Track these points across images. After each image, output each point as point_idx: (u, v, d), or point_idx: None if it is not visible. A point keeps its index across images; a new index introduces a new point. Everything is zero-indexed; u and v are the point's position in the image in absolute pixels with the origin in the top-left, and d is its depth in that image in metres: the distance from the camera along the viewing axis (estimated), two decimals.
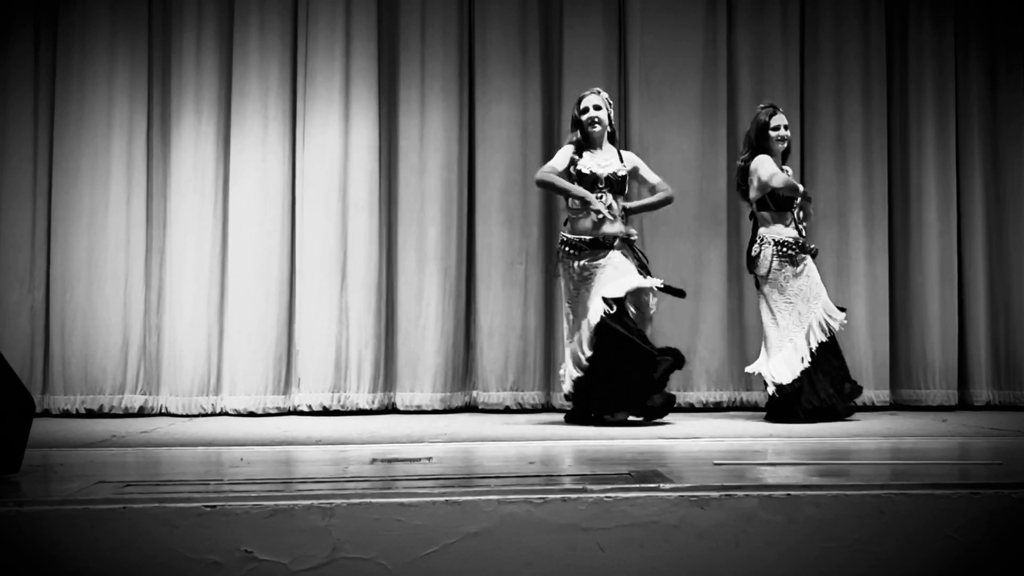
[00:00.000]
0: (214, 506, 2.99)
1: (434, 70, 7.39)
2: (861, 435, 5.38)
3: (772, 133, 6.36)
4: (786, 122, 6.41)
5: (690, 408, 7.28)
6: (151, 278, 7.23)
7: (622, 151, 6.29)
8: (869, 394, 7.38)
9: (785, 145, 6.41)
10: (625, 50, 7.54)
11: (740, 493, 3.10)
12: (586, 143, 6.17)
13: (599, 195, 6.05)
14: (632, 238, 6.21)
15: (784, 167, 6.41)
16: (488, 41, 7.47)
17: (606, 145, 6.22)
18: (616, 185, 6.12)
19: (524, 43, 7.47)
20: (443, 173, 7.36)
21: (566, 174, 6.12)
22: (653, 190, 6.37)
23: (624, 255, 6.11)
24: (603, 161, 6.14)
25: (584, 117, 6.15)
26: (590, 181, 6.07)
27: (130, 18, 7.28)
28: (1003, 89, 7.68)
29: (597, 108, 6.16)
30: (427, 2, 7.41)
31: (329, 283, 7.22)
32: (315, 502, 3.01)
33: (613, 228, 6.09)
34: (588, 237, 6.05)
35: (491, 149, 7.39)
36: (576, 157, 6.12)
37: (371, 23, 7.37)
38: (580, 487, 3.14)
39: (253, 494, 3.09)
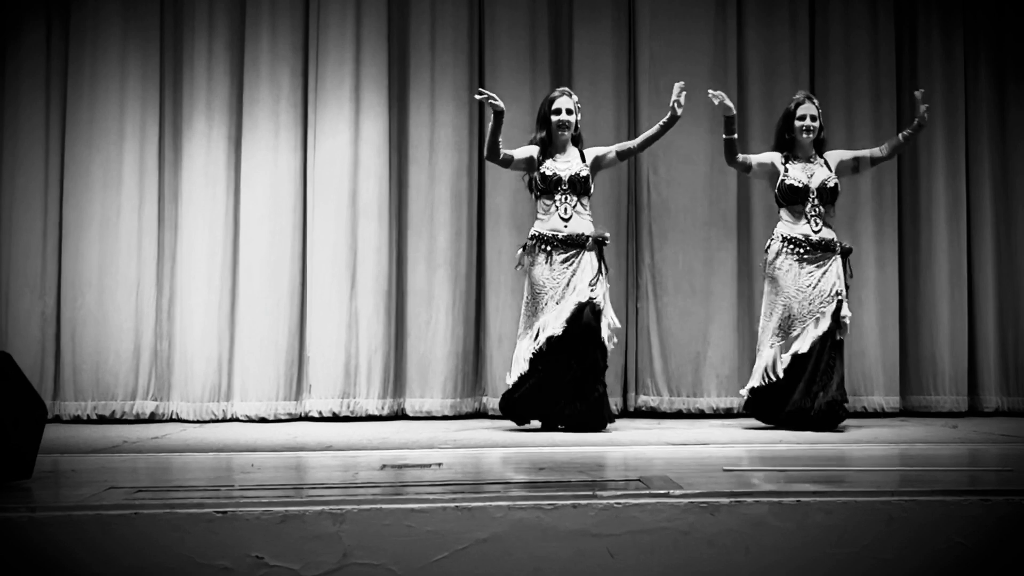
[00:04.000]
0: (225, 512, 3.00)
1: (444, 76, 7.40)
2: (871, 441, 5.38)
3: (797, 123, 6.23)
4: (814, 112, 6.25)
5: (700, 414, 7.27)
6: (162, 284, 7.25)
7: (584, 151, 6.28)
8: (879, 400, 7.38)
9: (810, 136, 6.23)
10: (634, 56, 7.55)
11: (750, 500, 3.10)
12: (549, 143, 6.22)
13: (562, 196, 6.10)
14: (606, 241, 6.21)
15: (815, 159, 6.27)
16: (498, 47, 7.48)
17: (569, 147, 6.24)
18: (579, 186, 6.13)
19: (534, 49, 7.48)
20: (453, 178, 7.37)
21: (528, 169, 6.19)
22: (620, 154, 6.32)
23: (592, 258, 6.12)
24: (565, 164, 6.17)
25: (555, 119, 6.19)
26: (553, 182, 6.11)
27: (141, 19, 7.29)
28: (1012, 99, 7.67)
29: (568, 112, 6.20)
30: (437, 9, 7.43)
31: (339, 289, 7.23)
32: (326, 508, 3.02)
33: (586, 228, 6.13)
34: (562, 234, 6.09)
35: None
36: (540, 158, 6.17)
37: (381, 29, 7.39)
38: (590, 493, 3.14)
39: (264, 500, 3.09)
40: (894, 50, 7.63)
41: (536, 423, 6.23)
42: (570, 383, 6.02)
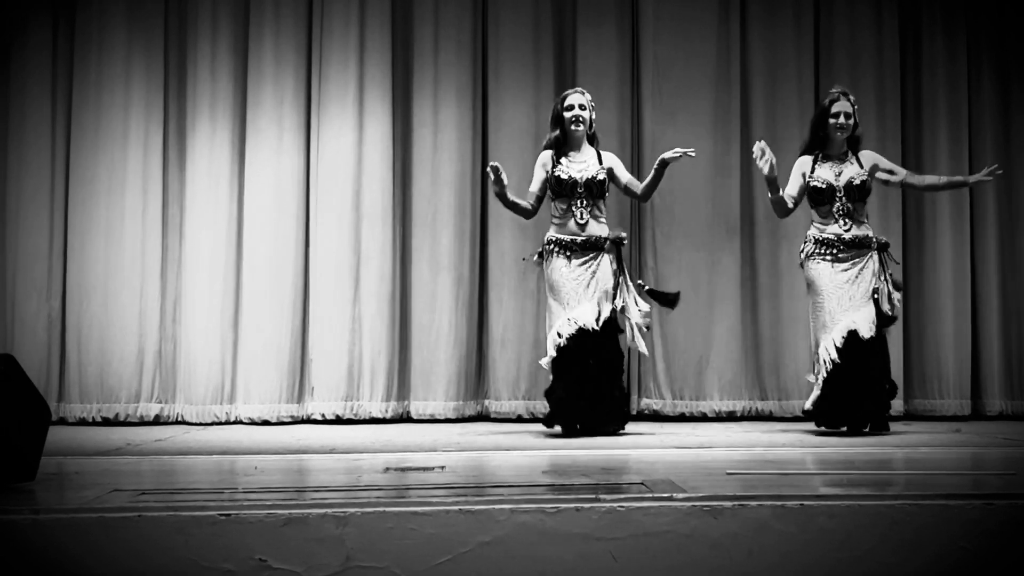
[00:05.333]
0: (228, 514, 3.00)
1: (448, 80, 7.41)
2: (874, 445, 5.37)
3: (831, 120, 6.04)
4: (849, 109, 6.04)
5: (703, 417, 7.27)
6: (167, 287, 7.27)
7: (602, 152, 6.15)
8: None
9: (844, 134, 6.05)
10: (638, 60, 7.55)
11: (753, 503, 3.10)
12: (564, 142, 6.08)
13: (578, 200, 5.98)
14: (623, 241, 6.10)
15: (848, 157, 6.09)
16: (501, 51, 7.49)
17: (585, 146, 6.11)
18: (595, 189, 5.99)
19: (537, 53, 7.48)
20: (456, 182, 7.38)
21: (543, 179, 6.05)
22: (626, 188, 6.18)
23: (611, 260, 6.01)
24: (581, 165, 6.03)
25: (568, 115, 6.05)
26: (569, 186, 5.97)
27: (146, 20, 7.32)
28: (1015, 100, 7.66)
29: (582, 108, 6.06)
30: (441, 13, 7.44)
31: (342, 292, 7.24)
32: (329, 511, 3.02)
33: (602, 231, 6.02)
34: (579, 239, 5.98)
35: (504, 158, 7.33)
36: (554, 161, 6.04)
37: (385, 33, 7.40)
38: (593, 496, 3.14)
39: (267, 503, 3.10)
40: (898, 51, 7.63)
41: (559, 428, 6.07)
42: (586, 384, 5.85)
